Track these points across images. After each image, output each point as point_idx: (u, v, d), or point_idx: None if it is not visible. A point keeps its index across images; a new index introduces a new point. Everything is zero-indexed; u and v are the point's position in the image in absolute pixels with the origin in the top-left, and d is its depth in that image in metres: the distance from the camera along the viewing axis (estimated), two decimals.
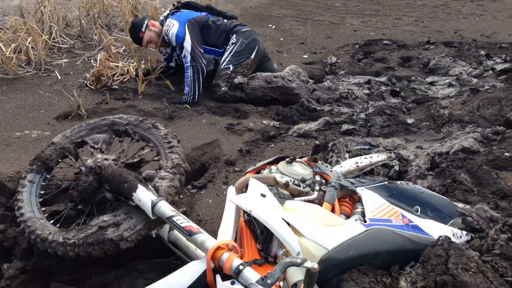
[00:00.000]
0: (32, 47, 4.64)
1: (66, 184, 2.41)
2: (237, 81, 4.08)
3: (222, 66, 4.17)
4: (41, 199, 2.30)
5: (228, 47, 4.25)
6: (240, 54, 4.22)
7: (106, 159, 2.20)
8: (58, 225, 2.18)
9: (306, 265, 1.42)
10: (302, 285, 1.51)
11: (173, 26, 4.15)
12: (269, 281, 1.44)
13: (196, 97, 4.04)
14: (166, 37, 4.22)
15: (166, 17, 4.35)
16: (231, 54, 4.20)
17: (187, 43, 4.06)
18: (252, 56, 4.28)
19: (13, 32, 5.01)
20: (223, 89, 4.06)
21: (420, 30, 6.23)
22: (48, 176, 2.41)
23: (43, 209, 2.26)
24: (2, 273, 2.18)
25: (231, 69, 4.16)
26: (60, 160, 2.43)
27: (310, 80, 4.30)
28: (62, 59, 4.83)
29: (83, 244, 1.99)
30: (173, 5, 4.51)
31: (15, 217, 2.43)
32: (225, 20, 4.42)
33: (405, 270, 2.03)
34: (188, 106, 4.00)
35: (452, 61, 4.96)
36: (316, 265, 1.43)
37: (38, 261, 2.14)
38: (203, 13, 4.42)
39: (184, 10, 4.42)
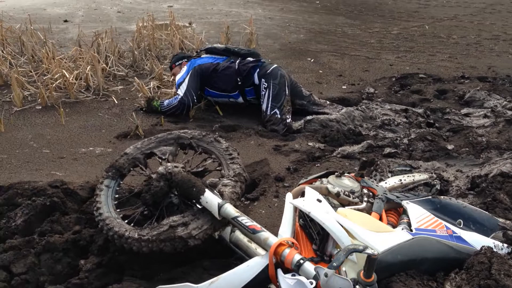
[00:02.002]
0: (91, 75, 5.05)
1: (138, 190, 2.67)
2: (295, 127, 4.27)
3: (268, 113, 4.36)
4: (116, 202, 2.56)
5: (263, 92, 4.44)
6: (278, 95, 4.40)
7: (176, 166, 2.46)
8: (131, 225, 2.42)
9: (368, 251, 1.61)
10: (362, 271, 1.69)
11: (179, 73, 4.65)
12: (335, 264, 1.63)
13: (166, 113, 4.47)
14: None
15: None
16: (270, 99, 4.39)
17: (183, 87, 4.48)
18: (287, 92, 4.49)
19: (73, 61, 5.45)
20: (281, 133, 4.23)
21: (455, 66, 6.43)
22: (121, 182, 2.68)
23: (118, 210, 2.51)
24: (78, 268, 2.42)
25: (278, 113, 4.35)
26: (132, 169, 2.70)
27: (364, 125, 4.38)
28: (118, 86, 5.21)
29: (156, 240, 2.22)
30: (196, 52, 5.01)
31: (89, 219, 2.72)
32: (236, 63, 4.58)
33: (450, 275, 2.17)
34: (157, 106, 4.50)
35: (487, 94, 5.12)
36: (376, 252, 1.62)
37: (113, 257, 2.37)
38: (219, 58, 4.72)
39: (204, 56, 4.82)
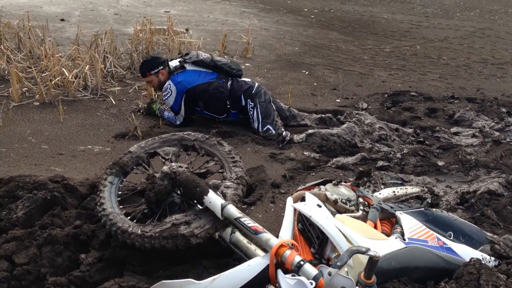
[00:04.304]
0: (89, 74, 5.09)
1: (141, 188, 2.72)
2: (296, 140, 4.31)
3: (261, 130, 4.40)
4: (119, 199, 2.60)
5: (251, 112, 4.45)
6: (267, 112, 4.45)
7: (180, 166, 2.52)
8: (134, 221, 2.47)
9: (370, 253, 1.69)
10: (363, 272, 1.77)
11: (170, 95, 4.35)
12: (338, 263, 1.71)
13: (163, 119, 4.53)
14: (164, 99, 4.46)
15: (173, 70, 4.48)
16: (261, 117, 4.43)
17: (181, 116, 4.42)
18: (274, 107, 4.57)
19: (71, 60, 5.49)
20: (281, 146, 4.27)
21: (445, 86, 6.61)
22: (124, 179, 2.73)
23: (120, 207, 2.56)
24: (78, 262, 2.46)
25: (271, 129, 4.40)
26: (135, 167, 2.76)
27: (364, 140, 4.44)
28: (115, 87, 5.26)
29: (158, 237, 2.27)
30: (182, 56, 4.64)
31: (89, 215, 2.76)
32: (228, 84, 4.50)
33: (440, 284, 2.27)
34: (155, 109, 4.57)
35: (475, 115, 5.29)
36: (378, 254, 1.70)
37: (114, 252, 2.42)
38: (206, 73, 4.48)
39: (190, 68, 4.46)
